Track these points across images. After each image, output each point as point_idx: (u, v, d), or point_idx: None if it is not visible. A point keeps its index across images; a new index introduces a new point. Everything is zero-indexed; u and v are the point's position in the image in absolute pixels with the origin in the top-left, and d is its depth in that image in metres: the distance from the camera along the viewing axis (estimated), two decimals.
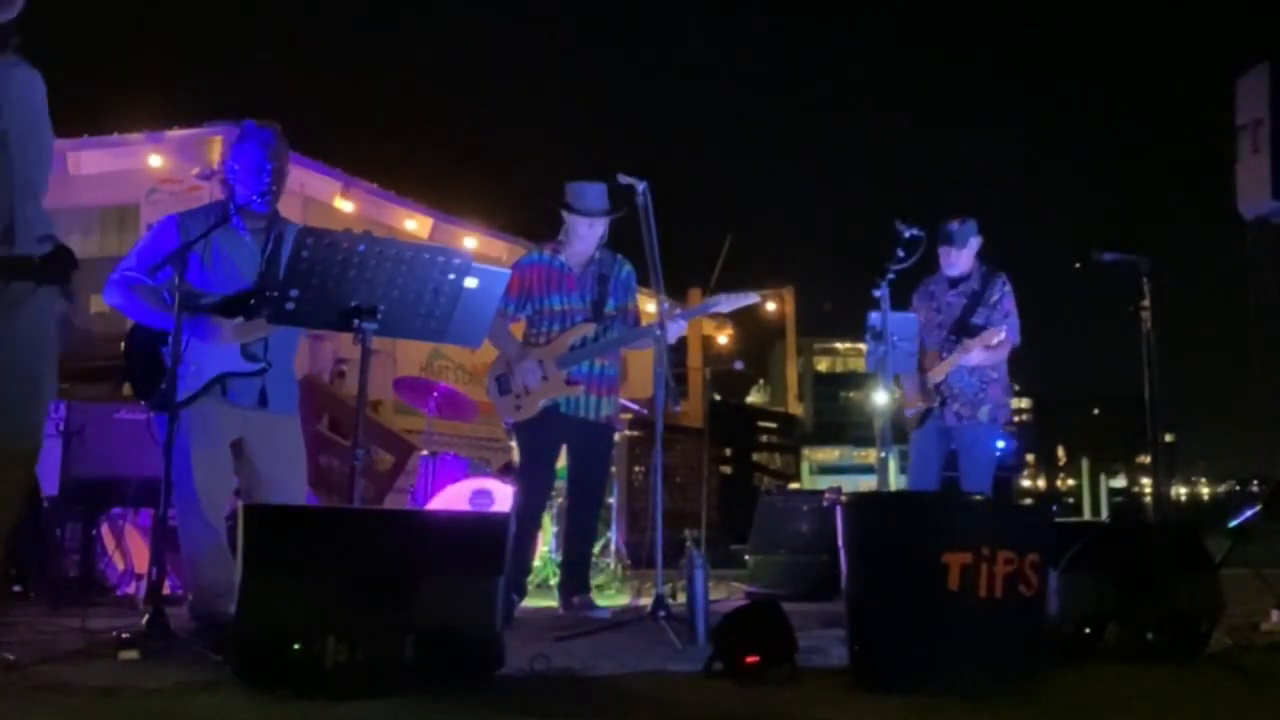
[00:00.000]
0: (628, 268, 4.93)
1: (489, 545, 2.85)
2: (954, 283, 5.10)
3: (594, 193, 4.80)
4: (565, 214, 4.83)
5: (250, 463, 3.82)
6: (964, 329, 4.97)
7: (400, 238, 7.94)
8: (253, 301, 3.75)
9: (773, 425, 14.78)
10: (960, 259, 5.05)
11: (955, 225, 5.04)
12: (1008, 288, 5.05)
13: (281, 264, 3.77)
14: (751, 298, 4.68)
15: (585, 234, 4.80)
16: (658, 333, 4.41)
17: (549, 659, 3.10)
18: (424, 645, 2.66)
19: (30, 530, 4.60)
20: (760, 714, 2.61)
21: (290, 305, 3.27)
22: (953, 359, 4.95)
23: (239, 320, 3.73)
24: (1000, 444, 5.26)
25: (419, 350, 9.57)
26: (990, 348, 4.91)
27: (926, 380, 5.04)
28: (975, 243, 5.06)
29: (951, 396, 4.99)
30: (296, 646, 2.58)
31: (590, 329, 4.78)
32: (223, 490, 3.79)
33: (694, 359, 13.26)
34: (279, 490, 3.77)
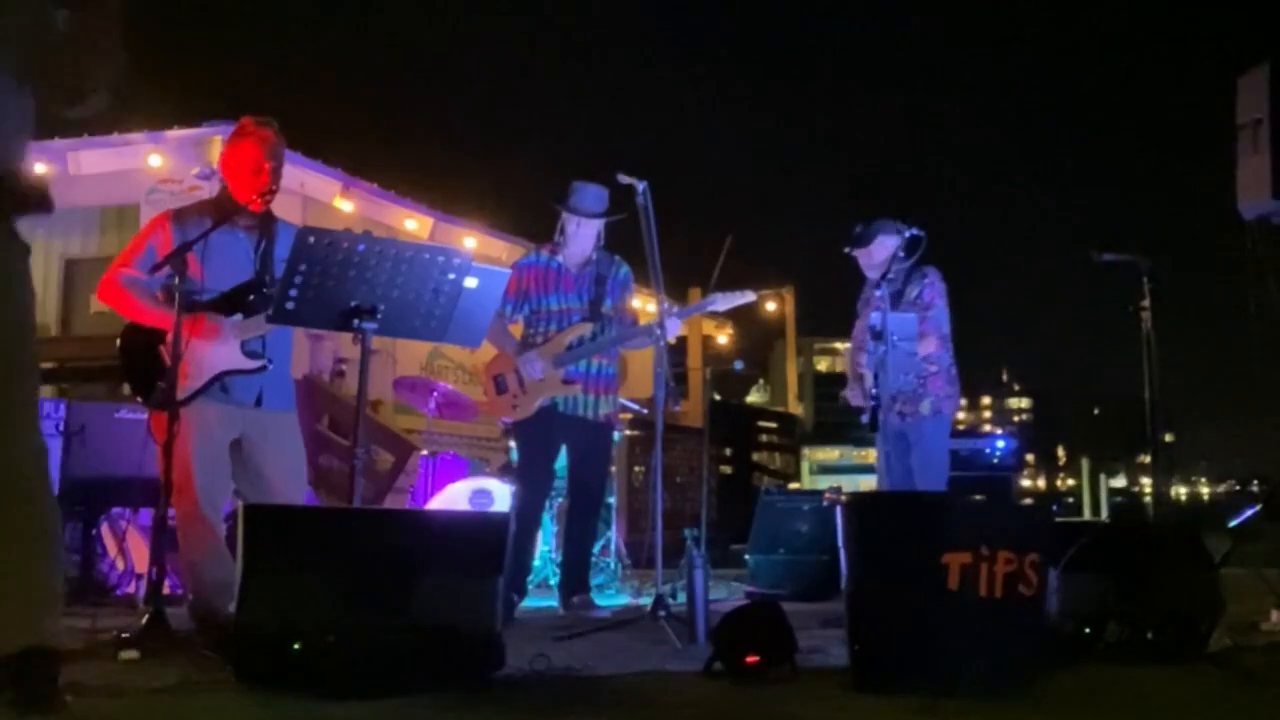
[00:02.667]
0: (625, 268, 4.93)
1: (489, 545, 2.85)
2: (880, 285, 5.02)
3: (590, 194, 4.80)
4: (562, 211, 4.83)
5: (250, 461, 3.81)
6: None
7: (400, 238, 7.95)
8: (250, 298, 3.75)
9: (773, 425, 14.75)
10: (869, 258, 5.00)
11: (859, 227, 5.05)
12: (929, 279, 4.98)
13: (276, 261, 3.77)
14: (748, 296, 4.67)
15: (575, 233, 4.81)
16: (657, 332, 4.41)
17: (549, 659, 3.10)
18: (424, 645, 2.66)
19: None
20: (760, 714, 2.62)
21: (290, 305, 3.27)
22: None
23: (238, 317, 3.73)
24: (1000, 445, 5.23)
25: (419, 350, 9.57)
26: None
27: (864, 383, 4.94)
28: (889, 241, 4.97)
29: (891, 397, 4.97)
30: (296, 646, 2.59)
31: (587, 328, 4.78)
32: (222, 490, 3.78)
33: (694, 359, 13.26)
34: (280, 488, 3.76)
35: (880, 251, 4.98)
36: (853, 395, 5.18)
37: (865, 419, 4.95)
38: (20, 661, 2.34)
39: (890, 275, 4.99)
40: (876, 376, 4.81)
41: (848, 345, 5.48)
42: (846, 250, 5.09)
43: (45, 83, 2.48)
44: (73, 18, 2.45)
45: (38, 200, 2.49)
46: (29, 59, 2.44)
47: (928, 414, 4.97)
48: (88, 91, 2.51)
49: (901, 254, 5.02)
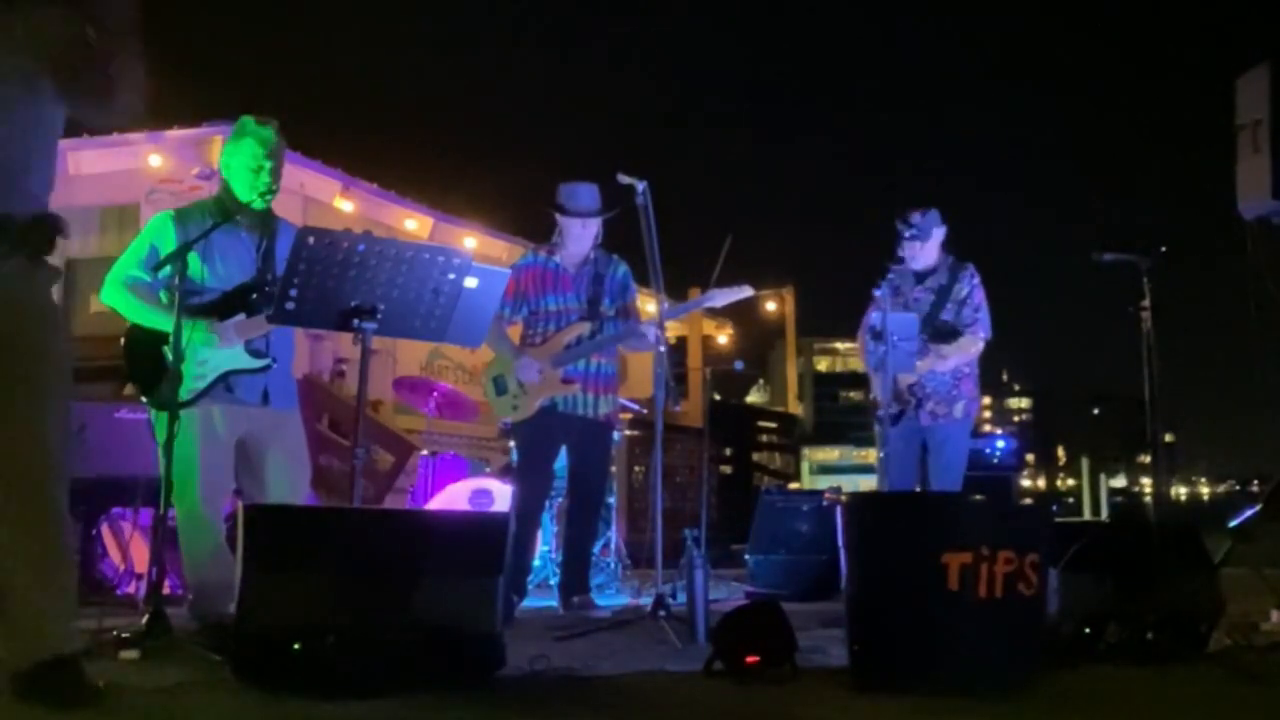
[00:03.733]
0: (623, 268, 4.93)
1: (489, 545, 2.85)
2: (920, 277, 4.96)
3: (585, 193, 4.80)
4: (558, 215, 4.83)
5: (255, 460, 3.81)
6: (933, 326, 4.86)
7: (400, 238, 7.94)
8: (252, 297, 3.75)
9: (773, 425, 14.76)
10: (925, 251, 4.92)
11: (918, 216, 4.91)
12: (976, 279, 4.93)
13: (277, 260, 3.77)
14: (745, 290, 4.66)
15: (579, 234, 4.81)
16: (655, 333, 4.41)
17: (549, 659, 3.10)
18: (424, 645, 2.66)
19: None
20: (760, 714, 2.62)
21: (290, 305, 3.27)
22: (927, 363, 4.80)
23: (240, 317, 3.73)
24: (1000, 445, 5.20)
25: (419, 350, 9.57)
26: (968, 353, 4.85)
27: (899, 381, 4.83)
28: (939, 233, 4.93)
29: (925, 396, 4.87)
30: (296, 646, 2.59)
31: (586, 328, 4.78)
32: (224, 490, 3.78)
33: (694, 359, 13.25)
34: (284, 486, 3.76)
35: (932, 244, 4.91)
36: (880, 390, 5.07)
37: (885, 413, 4.86)
38: (52, 669, 2.38)
39: (934, 267, 4.95)
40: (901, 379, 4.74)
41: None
42: (905, 238, 4.93)
43: (81, 97, 2.53)
44: (99, 30, 2.50)
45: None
46: (65, 83, 2.50)
47: (959, 416, 4.93)
48: (120, 100, 2.55)
49: (941, 248, 4.97)
